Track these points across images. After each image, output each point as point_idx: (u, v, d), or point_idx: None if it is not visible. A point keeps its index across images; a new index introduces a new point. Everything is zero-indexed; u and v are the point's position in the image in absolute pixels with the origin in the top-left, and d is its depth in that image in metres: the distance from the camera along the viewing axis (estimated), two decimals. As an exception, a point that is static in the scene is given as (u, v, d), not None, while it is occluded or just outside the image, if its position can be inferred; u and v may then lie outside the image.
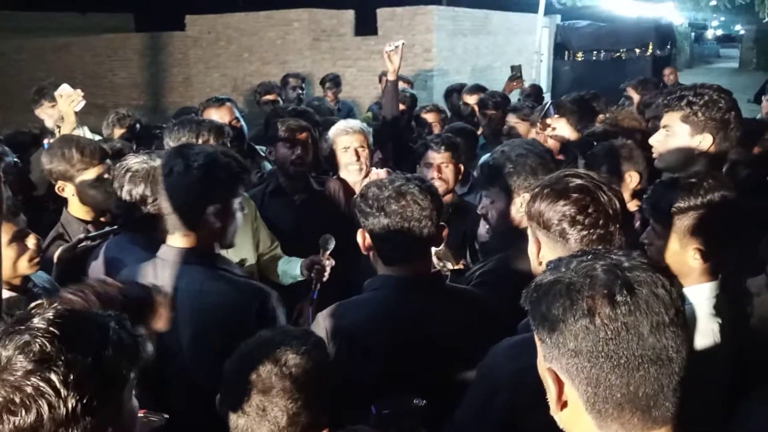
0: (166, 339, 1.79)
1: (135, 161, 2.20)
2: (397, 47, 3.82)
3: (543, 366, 0.97)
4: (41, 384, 0.87)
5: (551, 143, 3.33)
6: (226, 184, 1.86)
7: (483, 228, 2.43)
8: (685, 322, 0.91)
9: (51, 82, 4.47)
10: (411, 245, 1.78)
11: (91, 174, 2.50)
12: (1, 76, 16.01)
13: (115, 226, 2.34)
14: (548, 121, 3.38)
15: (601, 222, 1.52)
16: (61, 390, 0.87)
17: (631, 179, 2.68)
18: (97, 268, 2.16)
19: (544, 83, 12.74)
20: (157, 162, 2.16)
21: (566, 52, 11.11)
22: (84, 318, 0.98)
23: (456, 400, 1.58)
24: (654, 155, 2.37)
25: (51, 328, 0.91)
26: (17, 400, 0.87)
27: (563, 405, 0.95)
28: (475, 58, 13.34)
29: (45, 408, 0.87)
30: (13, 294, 1.92)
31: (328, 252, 2.50)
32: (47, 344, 0.90)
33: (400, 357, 1.72)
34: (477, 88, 5.03)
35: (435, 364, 1.74)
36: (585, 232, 1.51)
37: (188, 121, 2.75)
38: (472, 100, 4.86)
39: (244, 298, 1.85)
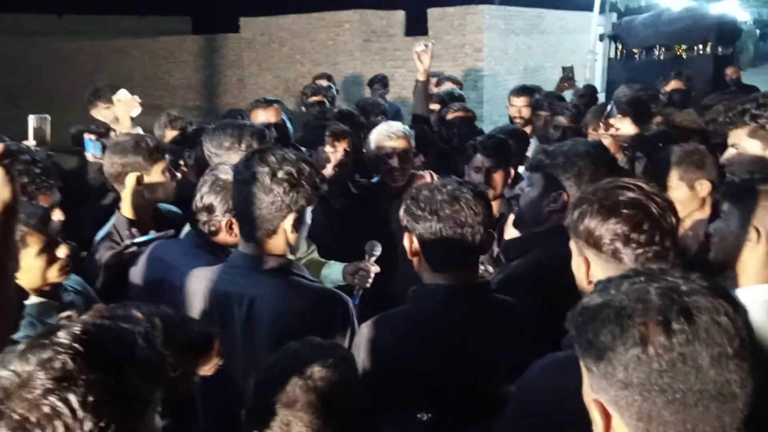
0: (245, 347, 1.78)
1: (225, 171, 2.20)
2: (427, 46, 3.80)
3: (589, 396, 0.89)
4: (59, 404, 0.84)
5: (608, 142, 3.18)
6: (308, 194, 1.82)
7: (509, 225, 2.36)
8: (753, 353, 0.81)
9: (107, 84, 4.58)
10: (462, 252, 1.71)
11: (160, 167, 2.51)
12: (64, 77, 16.65)
13: (161, 232, 2.34)
14: (611, 121, 3.23)
15: (656, 238, 1.41)
16: (79, 412, 0.84)
17: (702, 187, 2.52)
18: (138, 273, 2.16)
19: (599, 83, 12.42)
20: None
21: (623, 51, 10.76)
22: (111, 335, 0.94)
23: (497, 416, 1.51)
24: (728, 174, 2.23)
25: (75, 345, 0.88)
26: (33, 419, 0.84)
27: (611, 439, 0.87)
28: (526, 58, 13.10)
29: (60, 429, 0.83)
30: (43, 300, 1.92)
31: (374, 258, 2.45)
32: (69, 361, 0.86)
33: (443, 374, 1.66)
34: (524, 90, 4.84)
35: (479, 381, 1.67)
36: (640, 251, 1.41)
37: (229, 125, 2.74)
38: (519, 102, 4.70)
39: (327, 305, 1.81)
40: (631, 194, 1.46)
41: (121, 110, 3.54)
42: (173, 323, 1.39)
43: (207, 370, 1.46)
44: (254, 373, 1.42)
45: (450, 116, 4.21)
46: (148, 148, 2.48)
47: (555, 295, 1.47)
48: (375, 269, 2.45)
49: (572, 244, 1.53)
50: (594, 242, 1.45)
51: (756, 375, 0.82)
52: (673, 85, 5.26)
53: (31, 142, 3.06)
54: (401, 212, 1.79)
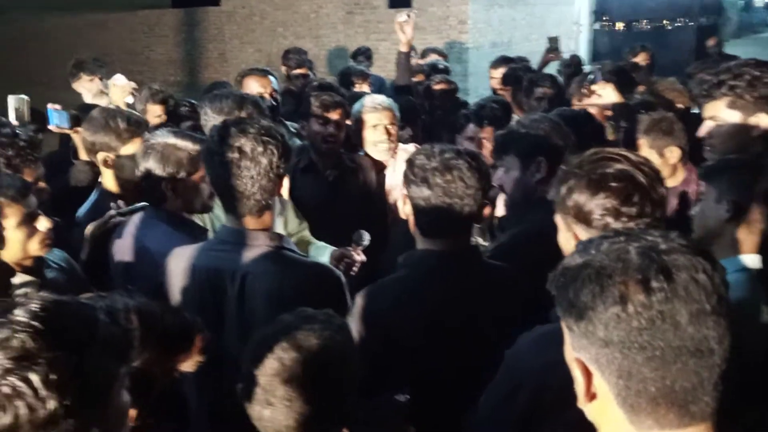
0: (239, 323, 1.76)
1: (158, 135, 2.18)
2: (409, 17, 3.78)
3: (570, 355, 0.90)
4: (19, 384, 0.82)
5: (594, 111, 3.19)
6: (289, 155, 1.80)
7: (501, 201, 2.37)
8: (729, 310, 0.83)
9: (90, 56, 4.51)
10: (450, 221, 1.72)
11: (135, 144, 2.45)
12: (41, 53, 16.30)
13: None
14: (594, 87, 3.22)
15: (647, 210, 1.40)
16: (41, 391, 0.82)
17: (672, 154, 2.55)
18: (122, 247, 2.14)
19: (584, 55, 12.38)
20: (169, 138, 2.11)
21: (606, 23, 10.76)
22: (71, 311, 0.91)
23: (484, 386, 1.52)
24: (706, 148, 2.24)
25: (33, 323, 0.85)
26: None
27: (592, 397, 0.88)
28: (511, 30, 13.01)
29: (23, 410, 0.82)
30: (26, 277, 1.89)
31: (360, 248, 2.45)
32: (28, 340, 0.84)
33: (434, 339, 1.68)
34: (503, 61, 4.81)
35: (470, 345, 1.69)
36: (631, 224, 1.39)
37: (231, 93, 2.75)
38: (498, 73, 4.67)
39: (320, 279, 1.80)
40: (618, 166, 1.43)
41: (117, 95, 3.49)
42: (151, 318, 1.33)
43: (188, 366, 1.42)
44: (248, 348, 1.38)
45: (433, 88, 4.20)
46: (117, 128, 2.44)
47: (543, 265, 1.48)
48: (361, 258, 2.44)
49: (559, 220, 1.51)
50: (583, 218, 1.43)
51: (732, 331, 0.83)
52: (642, 57, 5.31)
53: (14, 122, 3.00)
54: (399, 177, 1.80)
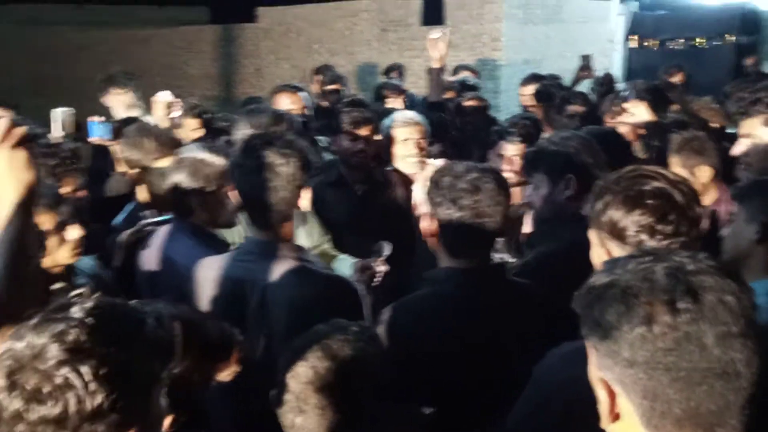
0: (259, 333, 1.79)
1: (188, 149, 2.25)
2: (444, 34, 3.82)
3: (595, 375, 0.90)
4: (71, 376, 0.85)
5: (626, 130, 3.15)
6: (310, 167, 1.86)
7: (528, 218, 2.36)
8: (757, 333, 0.82)
9: (120, 70, 4.58)
10: (480, 239, 1.74)
11: (164, 162, 2.52)
12: (83, 67, 16.76)
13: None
14: (626, 105, 3.18)
15: (682, 229, 1.39)
16: (91, 384, 0.86)
17: (702, 173, 2.52)
18: (148, 257, 2.19)
19: (619, 72, 12.27)
20: (200, 152, 2.18)
21: (641, 41, 10.66)
22: (122, 312, 0.96)
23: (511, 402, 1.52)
24: (741, 166, 2.21)
25: (88, 320, 0.90)
26: (46, 390, 0.85)
27: (615, 417, 0.88)
28: (545, 48, 12.96)
29: (72, 401, 0.85)
30: (57, 284, 1.93)
31: (381, 258, 2.47)
32: (82, 335, 0.88)
33: (459, 356, 1.68)
34: (533, 78, 4.78)
35: (495, 362, 1.69)
36: (666, 242, 1.39)
37: (267, 109, 2.86)
38: (528, 91, 4.64)
39: (337, 291, 1.84)
40: (655, 183, 1.42)
41: (158, 111, 3.56)
42: (193, 327, 1.38)
43: (225, 376, 1.47)
44: (284, 357, 1.41)
45: (464, 105, 4.22)
46: (146, 146, 2.54)
47: (570, 283, 1.48)
48: (383, 268, 2.46)
49: (593, 235, 1.50)
50: (618, 234, 1.42)
51: (761, 354, 0.82)
52: (676, 77, 5.24)
53: (59, 134, 3.10)
54: (424, 194, 1.81)
